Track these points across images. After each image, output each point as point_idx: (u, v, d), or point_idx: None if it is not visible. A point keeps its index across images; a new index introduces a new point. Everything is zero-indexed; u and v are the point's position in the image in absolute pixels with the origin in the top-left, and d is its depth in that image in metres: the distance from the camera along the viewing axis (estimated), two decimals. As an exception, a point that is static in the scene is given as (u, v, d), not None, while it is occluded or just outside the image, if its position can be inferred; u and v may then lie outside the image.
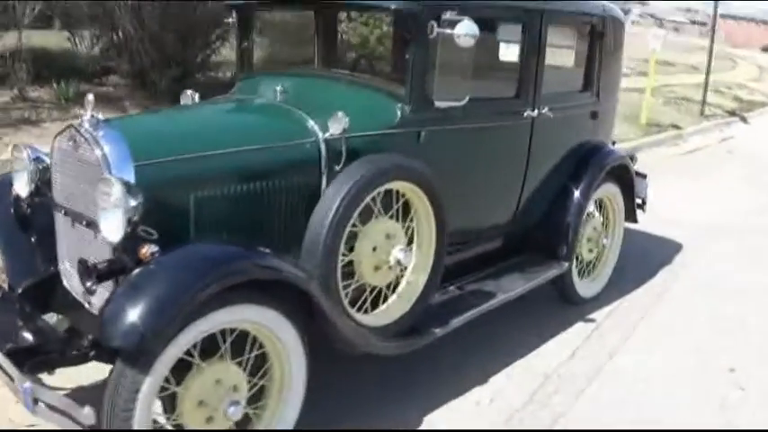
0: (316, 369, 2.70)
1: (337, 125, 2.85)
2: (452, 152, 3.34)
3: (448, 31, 2.96)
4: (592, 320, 4.25)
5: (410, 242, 3.08)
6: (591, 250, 4.42)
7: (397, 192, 2.97)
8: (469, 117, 3.33)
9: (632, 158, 4.85)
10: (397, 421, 3.09)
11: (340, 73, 3.58)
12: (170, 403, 2.38)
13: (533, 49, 3.62)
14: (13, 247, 2.91)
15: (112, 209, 2.35)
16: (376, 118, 3.06)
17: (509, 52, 3.71)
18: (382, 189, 2.86)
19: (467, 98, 3.15)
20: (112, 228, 2.37)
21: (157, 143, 2.63)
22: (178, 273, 2.23)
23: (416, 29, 3.03)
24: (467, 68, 3.07)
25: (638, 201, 4.89)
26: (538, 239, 4.09)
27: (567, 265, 4.05)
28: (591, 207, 4.29)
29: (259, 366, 2.57)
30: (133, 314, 2.11)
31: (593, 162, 4.18)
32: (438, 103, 3.11)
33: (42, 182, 2.86)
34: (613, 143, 5.08)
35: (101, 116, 2.58)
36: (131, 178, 2.45)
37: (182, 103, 3.43)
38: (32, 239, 2.93)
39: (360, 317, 2.93)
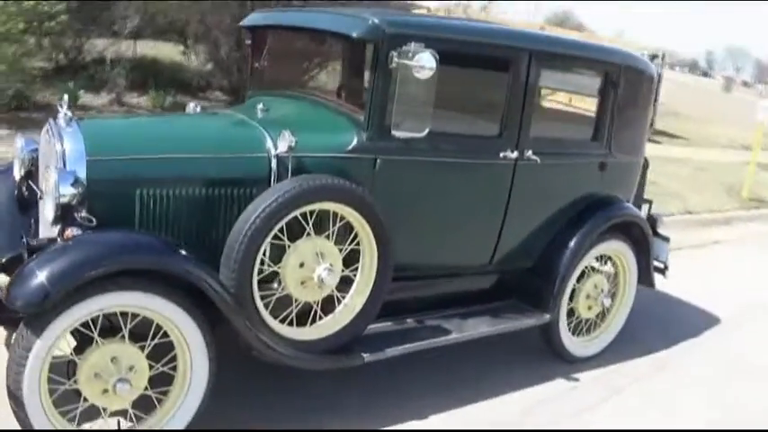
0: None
1: (283, 143, 3.01)
2: (414, 184, 3.36)
3: (407, 62, 3.03)
4: (575, 379, 4.02)
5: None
6: (590, 308, 4.21)
7: (335, 213, 3.05)
8: (436, 151, 3.36)
9: (655, 220, 4.58)
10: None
11: (319, 96, 3.70)
12: (72, 370, 2.63)
13: (518, 89, 3.54)
14: (3, 224, 3.33)
15: (48, 195, 2.69)
16: (333, 140, 3.18)
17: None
18: (309, 208, 2.94)
19: (426, 131, 3.16)
20: (47, 211, 2.71)
21: (112, 143, 2.92)
22: (74, 252, 2.49)
23: (377, 58, 3.12)
24: (427, 101, 3.11)
25: (660, 264, 4.61)
26: (522, 286, 3.97)
27: (547, 317, 3.89)
28: (589, 262, 4.10)
29: (166, 354, 2.76)
30: (29, 283, 2.39)
31: (594, 214, 3.99)
32: (395, 133, 3.16)
33: (36, 168, 3.29)
34: (649, 204, 4.83)
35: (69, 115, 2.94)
36: (83, 171, 2.75)
37: (185, 112, 3.78)
38: (25, 218, 3.35)
39: (283, 328, 3.02)
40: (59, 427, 2.58)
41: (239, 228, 2.84)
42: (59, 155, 2.81)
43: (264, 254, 2.93)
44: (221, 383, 2.89)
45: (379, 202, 3.17)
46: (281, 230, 2.92)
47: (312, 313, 3.11)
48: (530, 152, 3.64)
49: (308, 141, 3.12)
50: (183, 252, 2.72)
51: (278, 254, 2.97)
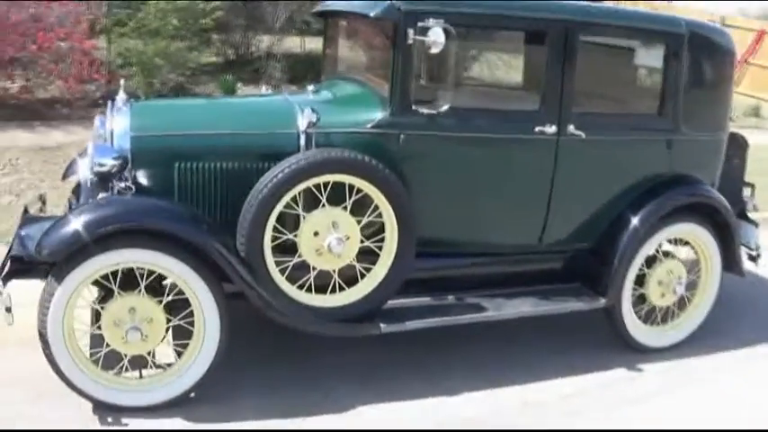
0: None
1: (304, 120, 3.09)
2: (442, 159, 3.25)
3: (423, 38, 2.98)
4: (638, 369, 3.64)
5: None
6: (663, 295, 3.79)
7: (352, 186, 3.03)
8: (464, 126, 3.23)
9: (744, 203, 4.00)
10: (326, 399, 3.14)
11: (366, 77, 3.65)
12: (97, 317, 2.88)
13: (555, 62, 3.30)
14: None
15: (84, 164, 2.99)
16: (360, 117, 3.19)
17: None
18: (318, 180, 2.95)
19: (446, 106, 3.10)
20: (84, 176, 2.99)
21: (156, 121, 3.16)
22: (94, 211, 2.73)
23: (395, 36, 3.09)
24: (447, 76, 3.03)
25: (751, 251, 4.03)
26: (584, 269, 3.67)
27: (602, 301, 3.56)
28: (659, 246, 3.70)
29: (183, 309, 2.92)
30: (53, 235, 2.69)
31: (657, 195, 3.60)
32: (417, 108, 3.11)
33: None
34: (751, 188, 4.25)
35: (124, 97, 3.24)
36: (127, 145, 3.03)
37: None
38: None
39: (301, 295, 3.06)
40: (82, 366, 2.83)
41: (249, 198, 2.93)
42: (109, 131, 3.09)
43: (284, 223, 2.99)
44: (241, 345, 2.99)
45: (406, 177, 3.14)
46: (294, 200, 2.97)
47: (333, 281, 3.11)
48: (572, 127, 3.36)
49: (336, 118, 3.19)
50: (200, 220, 2.89)
51: (298, 224, 3.02)
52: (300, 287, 3.07)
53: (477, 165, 3.32)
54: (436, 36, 2.93)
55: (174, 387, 2.95)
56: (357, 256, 3.11)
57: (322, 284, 3.11)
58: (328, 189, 3.00)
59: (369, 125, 3.16)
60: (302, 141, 3.13)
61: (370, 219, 3.08)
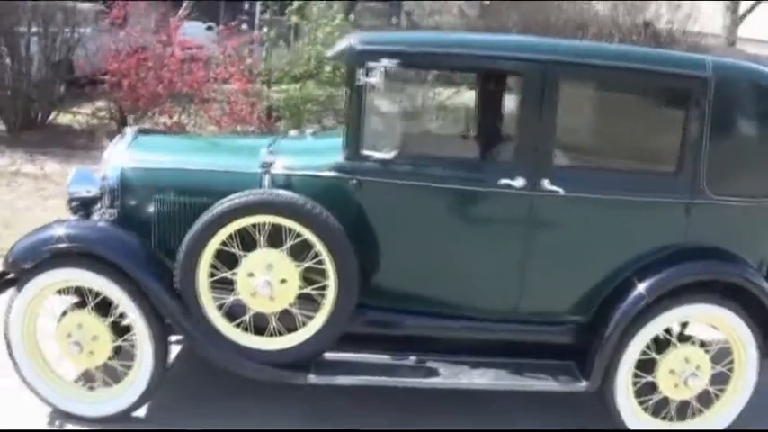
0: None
1: (257, 161, 3.06)
2: (397, 208, 3.00)
3: (368, 80, 2.81)
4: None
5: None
6: (677, 386, 3.08)
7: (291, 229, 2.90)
8: (421, 175, 2.95)
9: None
10: None
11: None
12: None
13: (530, 108, 2.87)
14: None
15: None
16: (321, 161, 3.07)
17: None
18: (253, 220, 2.87)
19: (394, 152, 2.88)
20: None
21: (145, 155, 3.29)
22: (44, 232, 2.95)
23: (350, 77, 2.94)
24: (396, 120, 2.80)
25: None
26: (578, 345, 3.13)
27: (583, 384, 2.99)
28: (664, 327, 3.02)
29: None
30: (11, 249, 2.97)
31: (667, 268, 2.95)
32: (366, 153, 2.92)
33: None
34: None
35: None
36: (117, 175, 3.23)
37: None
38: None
39: (235, 334, 2.97)
40: (40, 372, 3.02)
41: (187, 234, 2.94)
42: (105, 161, 3.34)
43: (229, 261, 2.93)
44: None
45: (359, 224, 2.97)
46: (232, 238, 2.93)
47: (275, 325, 2.97)
48: (546, 182, 2.90)
49: (300, 161, 3.12)
50: (143, 252, 2.99)
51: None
52: (244, 329, 3.00)
53: (435, 217, 3.00)
54: (375, 77, 2.75)
55: (117, 402, 3.04)
56: (299, 301, 2.98)
57: (264, 327, 3.01)
58: (266, 230, 2.93)
59: (325, 169, 3.03)
60: (265, 182, 3.11)
61: (311, 265, 2.93)
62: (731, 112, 2.99)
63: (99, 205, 3.23)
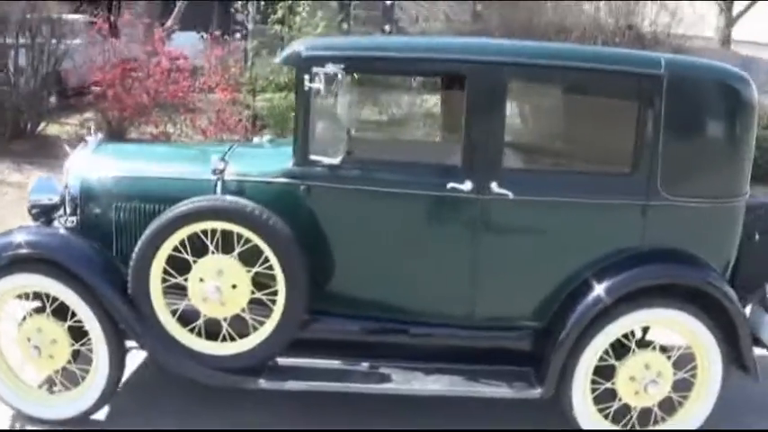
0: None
1: (209, 167, 3.06)
2: (346, 214, 2.98)
3: (316, 85, 2.80)
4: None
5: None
6: (637, 393, 2.99)
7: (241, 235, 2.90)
8: (367, 179, 2.92)
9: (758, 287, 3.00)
10: None
11: None
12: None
13: (477, 110, 2.81)
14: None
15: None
16: (273, 167, 3.07)
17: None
18: (203, 226, 2.87)
19: (340, 156, 2.86)
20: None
21: (105, 163, 3.33)
22: (8, 237, 3.00)
23: (298, 82, 2.92)
24: (341, 125, 2.77)
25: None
26: (523, 349, 3.07)
27: (537, 392, 2.92)
28: (622, 333, 2.92)
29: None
30: None
31: (623, 272, 2.87)
32: (314, 158, 2.91)
33: None
34: None
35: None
36: (78, 183, 3.28)
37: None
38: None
39: (188, 339, 2.98)
40: (2, 372, 3.07)
41: (138, 241, 2.96)
42: (66, 168, 3.39)
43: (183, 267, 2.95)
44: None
45: (309, 230, 2.96)
46: (184, 244, 2.94)
47: (226, 329, 2.97)
48: (495, 185, 2.84)
49: (253, 168, 3.11)
50: (99, 259, 3.02)
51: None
52: (198, 334, 3.00)
53: (384, 222, 2.97)
54: (321, 82, 2.73)
55: (77, 405, 3.08)
56: (252, 307, 2.98)
57: (219, 332, 3.01)
58: (217, 236, 2.93)
59: (275, 175, 3.03)
60: (218, 188, 3.09)
61: (262, 270, 2.91)
62: (687, 110, 2.89)
63: (60, 212, 3.28)
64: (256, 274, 2.93)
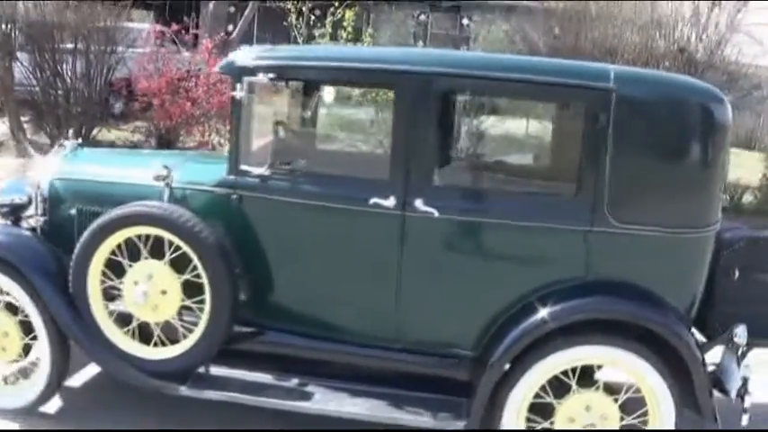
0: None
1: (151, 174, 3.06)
2: (273, 225, 2.88)
3: (246, 94, 2.74)
4: None
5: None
6: (578, 437, 2.67)
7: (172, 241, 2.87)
8: (294, 191, 2.81)
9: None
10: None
11: None
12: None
13: (403, 123, 2.61)
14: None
15: None
16: (211, 175, 3.02)
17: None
18: (135, 231, 2.87)
19: (266, 166, 2.78)
20: None
21: (74, 167, 3.40)
22: None
23: (233, 89, 2.84)
24: (274, 135, 2.67)
25: (732, 392, 2.63)
26: (461, 378, 2.83)
27: (460, 424, 2.67)
28: (560, 370, 2.61)
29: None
30: None
31: (557, 304, 2.56)
32: (244, 168, 2.83)
33: None
34: None
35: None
36: (47, 185, 3.38)
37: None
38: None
39: (123, 342, 2.98)
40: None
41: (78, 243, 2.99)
42: (40, 172, 3.50)
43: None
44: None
45: (239, 240, 2.90)
46: (121, 248, 2.94)
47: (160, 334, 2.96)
48: (420, 202, 2.63)
49: (196, 176, 3.08)
50: (49, 258, 3.07)
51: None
52: (132, 336, 3.00)
53: (310, 235, 2.85)
54: (251, 91, 2.66)
55: (24, 397, 3.15)
56: (184, 314, 2.94)
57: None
58: (150, 241, 2.91)
59: (212, 184, 2.98)
60: (165, 195, 3.09)
61: (191, 278, 2.87)
62: (641, 128, 2.55)
63: (30, 212, 3.39)
64: (188, 281, 2.90)
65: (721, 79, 7.13)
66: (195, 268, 2.87)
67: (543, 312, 2.60)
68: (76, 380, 3.47)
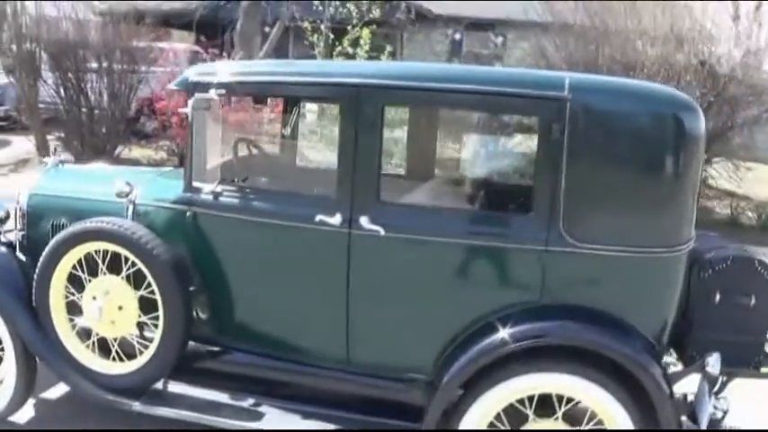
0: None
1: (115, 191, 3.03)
2: (225, 242, 2.80)
3: (197, 110, 2.68)
4: None
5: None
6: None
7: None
8: (243, 208, 2.72)
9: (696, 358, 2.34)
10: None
11: None
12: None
13: (349, 137, 2.48)
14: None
15: None
16: (171, 192, 2.97)
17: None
18: (93, 247, 2.84)
19: (214, 183, 2.70)
20: None
21: (52, 183, 3.40)
22: None
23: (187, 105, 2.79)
24: (224, 151, 2.60)
25: (703, 424, 2.39)
26: (417, 403, 2.65)
27: (412, 452, 2.51)
28: (516, 398, 2.41)
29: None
30: None
31: (505, 327, 2.37)
32: (198, 185, 2.77)
33: None
34: None
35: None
36: (25, 200, 3.40)
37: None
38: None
39: (84, 357, 2.95)
40: None
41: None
42: (20, 187, 3.53)
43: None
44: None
45: (194, 257, 2.85)
46: (80, 264, 2.91)
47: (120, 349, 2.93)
48: (365, 220, 2.49)
49: (157, 192, 3.04)
50: (15, 271, 3.09)
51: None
52: (92, 351, 2.98)
53: (258, 252, 2.76)
54: (201, 107, 2.60)
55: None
56: (144, 330, 2.91)
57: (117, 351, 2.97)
58: (108, 257, 2.88)
59: (170, 201, 2.93)
60: (129, 211, 3.05)
61: (146, 294, 2.82)
62: (600, 140, 2.34)
63: (9, 227, 3.43)
64: (145, 298, 2.86)
65: (745, 93, 6.69)
66: (150, 285, 2.84)
67: (493, 337, 2.41)
68: (52, 392, 3.50)
